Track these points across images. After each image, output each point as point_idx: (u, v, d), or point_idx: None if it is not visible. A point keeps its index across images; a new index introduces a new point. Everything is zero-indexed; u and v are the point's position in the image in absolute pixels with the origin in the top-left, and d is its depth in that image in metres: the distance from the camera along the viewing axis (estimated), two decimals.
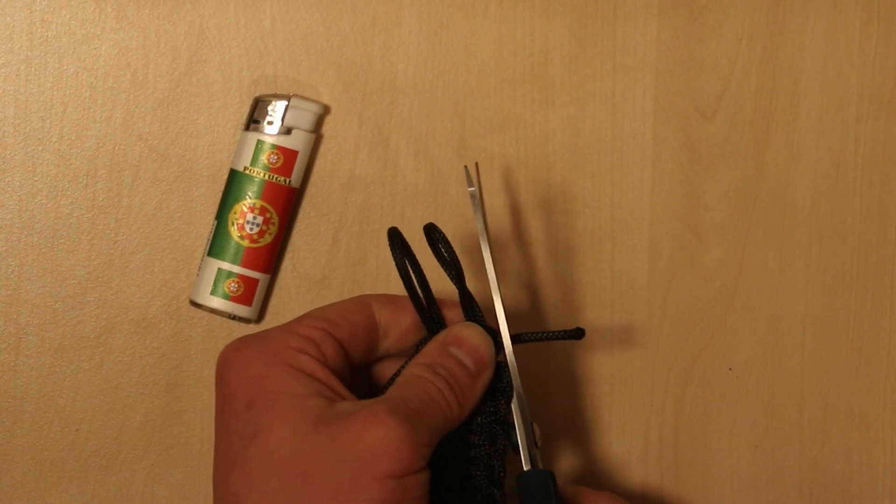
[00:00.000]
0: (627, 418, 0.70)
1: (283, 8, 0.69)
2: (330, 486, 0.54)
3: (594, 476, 0.70)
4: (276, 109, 0.67)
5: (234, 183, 0.67)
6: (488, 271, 0.60)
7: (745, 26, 0.70)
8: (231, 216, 0.67)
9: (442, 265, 0.60)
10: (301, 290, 0.69)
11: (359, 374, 0.62)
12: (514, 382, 0.60)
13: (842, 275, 0.70)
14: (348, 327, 0.59)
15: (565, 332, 0.61)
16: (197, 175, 0.69)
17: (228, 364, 0.58)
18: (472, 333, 0.59)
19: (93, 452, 0.69)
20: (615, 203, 0.70)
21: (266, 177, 0.67)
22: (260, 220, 0.67)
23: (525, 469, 0.59)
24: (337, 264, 0.69)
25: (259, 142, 0.67)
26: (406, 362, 0.59)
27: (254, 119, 0.67)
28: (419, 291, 0.59)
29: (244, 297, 0.67)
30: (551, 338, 0.61)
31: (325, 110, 0.68)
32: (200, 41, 0.69)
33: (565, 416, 0.70)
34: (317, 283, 0.69)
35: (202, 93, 0.69)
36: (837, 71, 0.70)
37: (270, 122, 0.67)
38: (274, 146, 0.67)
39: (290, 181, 0.67)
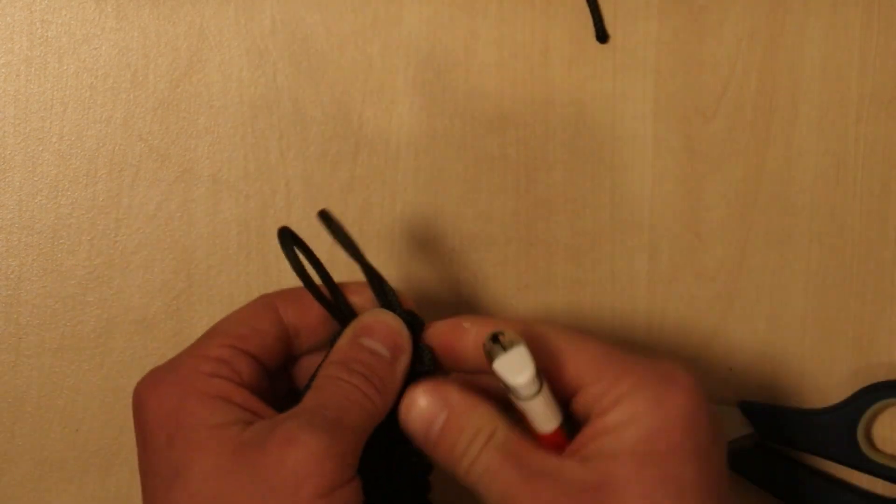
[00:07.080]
0: None
1: (283, 8, 0.68)
2: None
3: None
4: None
5: None
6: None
7: (745, 26, 0.70)
8: None
9: (343, 247, 0.57)
10: None
11: (279, 377, 0.59)
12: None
13: (842, 275, 0.70)
14: (257, 338, 0.57)
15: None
16: (197, 175, 0.69)
17: (142, 402, 0.55)
18: (381, 319, 0.57)
19: (93, 452, 0.69)
20: (615, 203, 0.70)
21: None
22: None
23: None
24: (337, 265, 0.69)
25: None
26: (322, 361, 0.57)
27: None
28: (321, 286, 0.57)
29: None
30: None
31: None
32: (200, 41, 0.69)
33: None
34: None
35: (202, 93, 0.69)
36: (837, 71, 0.70)
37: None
38: None
39: None
